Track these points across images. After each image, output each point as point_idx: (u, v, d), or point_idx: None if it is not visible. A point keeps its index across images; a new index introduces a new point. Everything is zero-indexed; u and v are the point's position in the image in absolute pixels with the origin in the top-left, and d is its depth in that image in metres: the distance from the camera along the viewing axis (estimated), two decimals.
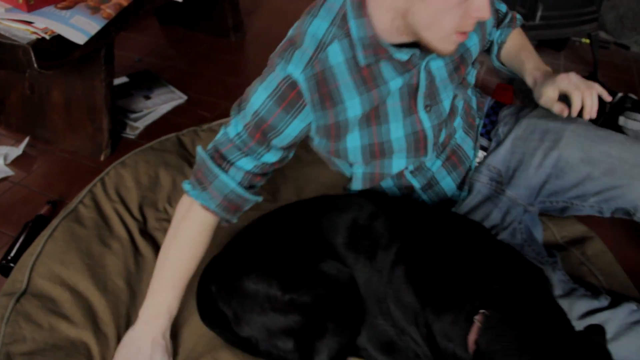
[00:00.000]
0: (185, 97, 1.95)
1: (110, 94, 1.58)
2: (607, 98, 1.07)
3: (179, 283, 1.00)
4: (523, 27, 1.27)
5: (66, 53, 1.35)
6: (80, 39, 1.33)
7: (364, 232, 1.02)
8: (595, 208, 1.14)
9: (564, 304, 1.04)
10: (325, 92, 0.92)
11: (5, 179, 1.54)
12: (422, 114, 1.03)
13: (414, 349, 0.97)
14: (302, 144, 1.63)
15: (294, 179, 1.48)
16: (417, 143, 1.06)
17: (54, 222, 1.26)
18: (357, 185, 1.16)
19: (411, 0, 0.84)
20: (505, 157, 1.19)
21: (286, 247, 1.04)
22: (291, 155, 1.04)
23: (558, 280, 1.10)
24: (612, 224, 1.48)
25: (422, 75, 0.99)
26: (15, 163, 1.61)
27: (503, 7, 1.24)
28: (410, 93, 1.00)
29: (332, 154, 1.07)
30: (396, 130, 1.03)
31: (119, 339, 1.05)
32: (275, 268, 1.00)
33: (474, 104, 1.24)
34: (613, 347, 1.00)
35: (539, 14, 2.01)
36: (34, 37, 1.28)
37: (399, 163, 1.09)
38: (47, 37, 1.29)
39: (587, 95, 1.03)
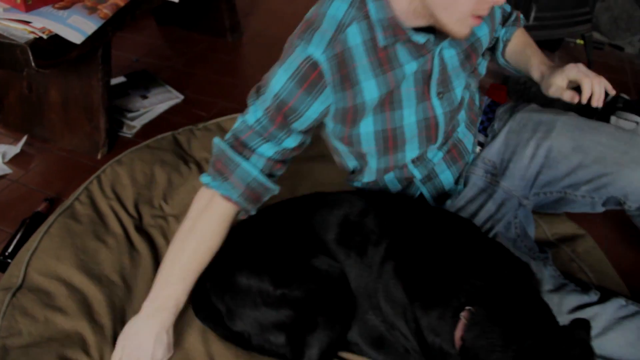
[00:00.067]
0: (182, 97, 1.97)
1: (107, 93, 1.60)
2: (612, 91, 1.09)
3: (191, 276, 0.99)
4: None
5: (63, 52, 1.37)
6: (77, 38, 1.35)
7: (354, 229, 1.04)
8: (587, 199, 1.16)
9: (554, 298, 1.07)
10: (344, 73, 0.93)
11: (3, 176, 1.56)
12: (435, 101, 1.05)
13: (404, 343, 0.99)
14: None
15: (287, 177, 1.49)
16: (428, 130, 1.08)
17: (50, 218, 1.28)
18: (368, 177, 1.17)
19: None
20: (500, 149, 1.22)
21: (278, 243, 1.05)
22: (309, 141, 1.04)
23: (549, 276, 1.12)
24: (603, 223, 1.50)
25: (436, 61, 1.01)
26: (13, 161, 1.62)
27: (507, 7, 1.27)
28: (424, 79, 1.02)
29: (345, 140, 1.07)
30: (409, 116, 1.04)
31: (114, 329, 1.06)
32: (267, 264, 1.02)
33: (477, 100, 1.26)
34: (602, 341, 1.03)
35: (532, 14, 2.03)
36: (31, 36, 1.30)
37: (411, 154, 1.11)
38: (45, 37, 1.31)
39: (596, 83, 1.06)
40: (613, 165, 1.10)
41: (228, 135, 1.00)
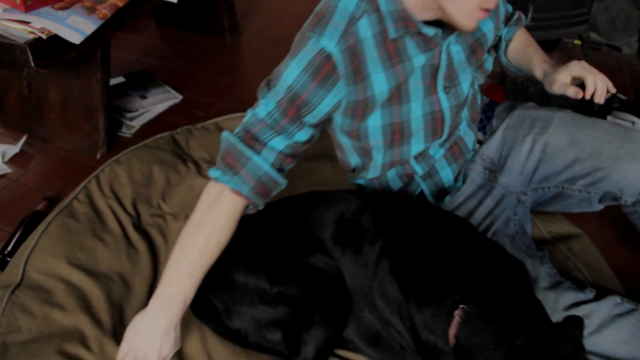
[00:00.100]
0: (180, 97, 1.98)
1: (106, 93, 1.61)
2: (612, 89, 1.10)
3: (199, 272, 0.97)
4: None
5: (63, 52, 1.38)
6: (76, 38, 1.36)
7: (350, 227, 1.05)
8: (583, 193, 1.16)
9: (550, 295, 1.08)
10: (356, 65, 0.94)
11: (3, 176, 1.57)
12: (441, 95, 1.06)
13: (399, 340, 1.00)
14: None
15: (285, 176, 1.51)
16: (434, 123, 1.09)
17: (49, 217, 1.29)
18: (373, 172, 1.18)
19: None
20: (497, 146, 1.23)
21: (275, 242, 1.06)
22: (317, 135, 1.05)
23: (545, 273, 1.13)
24: (599, 222, 1.51)
25: (443, 56, 1.02)
26: (13, 161, 1.64)
27: (509, 7, 1.29)
28: (432, 73, 1.03)
29: (353, 135, 1.08)
30: (416, 110, 1.05)
31: (113, 324, 1.08)
32: (264, 262, 1.03)
33: (479, 99, 1.27)
34: (597, 339, 1.04)
35: (529, 15, 2.04)
36: (31, 36, 1.31)
37: (417, 147, 1.12)
38: (44, 37, 1.32)
39: (599, 80, 1.07)
40: (609, 159, 1.11)
41: (238, 129, 0.99)
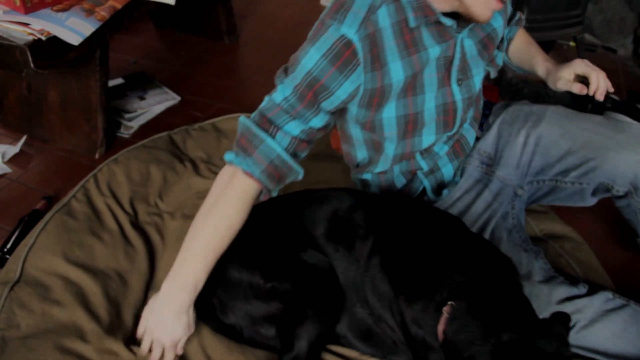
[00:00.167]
0: (178, 98, 2.00)
1: (105, 93, 1.63)
2: (611, 89, 1.16)
3: (211, 254, 0.98)
4: None
5: (62, 54, 1.40)
6: (75, 40, 1.39)
7: (343, 224, 1.06)
8: (576, 185, 1.19)
9: (544, 289, 1.10)
10: (375, 53, 0.95)
11: (3, 176, 1.59)
12: (455, 87, 1.08)
13: (390, 335, 1.02)
14: None
15: None
16: (446, 115, 1.11)
17: (47, 215, 1.31)
18: (382, 166, 1.19)
19: None
20: (494, 140, 1.26)
21: (269, 238, 1.08)
22: (333, 123, 1.06)
23: (539, 268, 1.15)
24: (592, 220, 1.53)
25: (457, 48, 1.04)
26: (12, 161, 1.66)
27: (510, 7, 1.31)
28: (446, 65, 1.05)
29: (367, 126, 1.09)
30: (429, 101, 1.07)
31: (111, 320, 1.10)
32: (258, 258, 1.04)
33: (481, 99, 1.30)
34: (588, 333, 1.06)
35: (524, 16, 2.06)
36: (30, 38, 1.33)
37: (428, 139, 1.14)
38: (43, 38, 1.34)
39: (602, 78, 1.13)
40: (599, 149, 1.14)
41: (254, 114, 1.01)
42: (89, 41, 1.43)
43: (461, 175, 1.26)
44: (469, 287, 0.87)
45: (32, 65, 1.32)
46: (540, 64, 1.26)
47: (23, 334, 1.04)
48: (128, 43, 2.42)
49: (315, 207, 1.10)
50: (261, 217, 1.14)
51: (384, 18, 0.95)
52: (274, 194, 1.05)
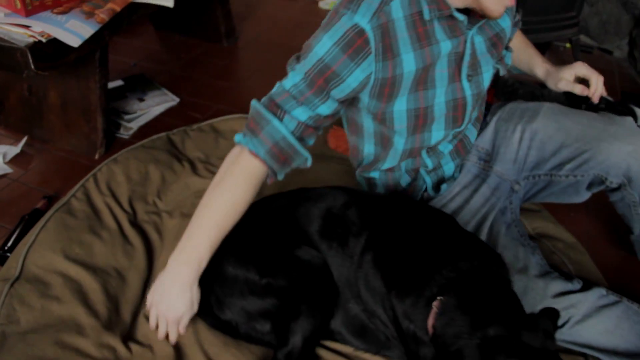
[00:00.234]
0: (177, 100, 2.03)
1: (104, 95, 1.65)
2: (604, 93, 1.25)
3: (214, 231, 0.99)
4: None
5: (62, 55, 1.42)
6: (74, 42, 1.41)
7: (337, 221, 1.08)
8: (570, 178, 1.21)
9: (539, 283, 1.12)
10: (387, 43, 0.97)
11: (4, 176, 1.62)
12: (465, 82, 1.11)
13: (384, 331, 1.03)
14: None
15: None
16: (455, 110, 1.13)
17: (48, 214, 1.33)
18: (390, 161, 1.21)
19: None
20: (491, 137, 1.28)
21: (264, 235, 1.09)
22: (342, 112, 1.08)
23: (535, 263, 1.17)
24: (586, 218, 1.54)
25: (468, 45, 1.07)
26: (13, 161, 1.68)
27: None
28: (457, 60, 1.07)
29: (378, 117, 1.10)
30: (440, 96, 1.09)
31: (109, 315, 1.11)
32: (253, 254, 1.06)
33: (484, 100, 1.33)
34: (582, 328, 1.07)
35: (519, 18, 2.08)
36: (31, 40, 1.35)
37: (437, 135, 1.16)
38: (44, 40, 1.37)
39: (600, 81, 1.23)
40: (592, 141, 1.16)
41: (264, 98, 1.02)
42: (88, 43, 1.45)
43: (460, 172, 1.28)
44: (457, 283, 0.89)
45: (32, 66, 1.34)
46: (539, 65, 1.32)
47: (23, 329, 1.06)
48: (128, 46, 2.45)
49: (310, 205, 1.12)
50: (257, 214, 1.16)
51: (397, 10, 0.97)
52: (280, 177, 1.06)
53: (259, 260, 1.05)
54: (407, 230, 1.04)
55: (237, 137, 1.03)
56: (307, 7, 2.99)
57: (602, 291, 1.12)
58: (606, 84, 1.26)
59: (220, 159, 1.03)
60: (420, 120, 1.11)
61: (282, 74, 1.04)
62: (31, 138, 1.77)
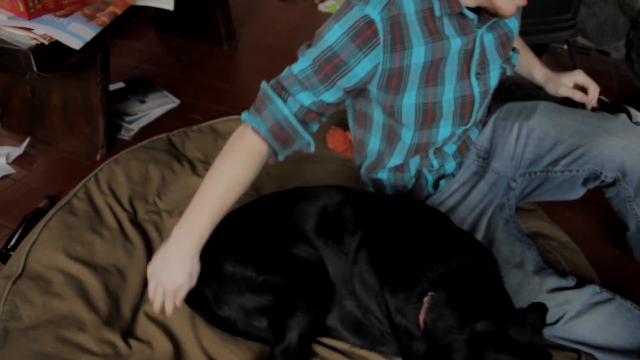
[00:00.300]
0: (178, 101, 2.05)
1: (106, 96, 1.68)
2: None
3: (217, 203, 1.01)
4: None
5: (64, 57, 1.44)
6: (76, 44, 1.43)
7: (332, 219, 1.10)
8: (566, 173, 1.23)
9: (535, 278, 1.14)
10: (397, 35, 0.99)
11: (7, 176, 1.64)
12: (473, 80, 1.13)
13: (378, 327, 1.05)
14: None
15: (276, 176, 1.57)
16: (463, 107, 1.15)
17: (49, 213, 1.35)
18: (397, 158, 1.23)
19: None
20: (489, 135, 1.30)
21: (261, 233, 1.11)
22: (348, 101, 1.10)
23: (531, 258, 1.19)
24: (581, 218, 1.56)
25: (477, 43, 1.09)
26: (16, 162, 1.70)
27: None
28: (466, 58, 1.09)
29: (387, 109, 1.12)
30: (448, 92, 1.11)
31: (110, 312, 1.13)
32: (251, 252, 1.08)
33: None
34: (575, 324, 1.08)
35: None
36: (33, 42, 1.38)
37: (444, 131, 1.18)
38: (46, 43, 1.39)
39: (597, 90, 1.32)
40: (587, 136, 1.19)
41: (272, 80, 1.05)
42: (90, 45, 1.48)
43: (459, 169, 1.30)
44: (448, 278, 0.91)
45: (35, 68, 1.37)
46: (538, 69, 1.37)
47: (25, 325, 1.08)
48: (129, 48, 2.47)
49: (306, 204, 1.13)
50: (254, 213, 1.19)
51: (409, 4, 1.00)
52: (280, 157, 1.08)
53: (256, 258, 1.06)
54: (401, 228, 1.06)
55: (243, 115, 1.06)
56: (306, 10, 3.02)
57: (596, 288, 1.14)
58: (603, 85, 1.30)
59: None
60: (428, 115, 1.12)
61: None
62: (34, 139, 1.80)
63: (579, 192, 1.27)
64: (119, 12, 1.56)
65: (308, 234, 1.11)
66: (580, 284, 1.16)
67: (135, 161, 1.55)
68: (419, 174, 1.28)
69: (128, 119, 1.90)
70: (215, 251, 1.10)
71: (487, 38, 1.11)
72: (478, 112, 1.21)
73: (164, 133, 1.75)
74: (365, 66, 1.01)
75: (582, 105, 1.34)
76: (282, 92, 1.03)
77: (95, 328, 1.09)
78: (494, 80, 1.18)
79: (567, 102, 1.39)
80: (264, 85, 1.05)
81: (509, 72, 1.23)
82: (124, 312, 1.16)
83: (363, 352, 1.09)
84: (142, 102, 2.01)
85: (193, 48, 2.50)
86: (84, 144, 1.73)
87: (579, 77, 1.31)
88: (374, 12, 0.97)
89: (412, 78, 1.05)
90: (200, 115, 1.98)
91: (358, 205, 1.11)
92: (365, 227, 1.07)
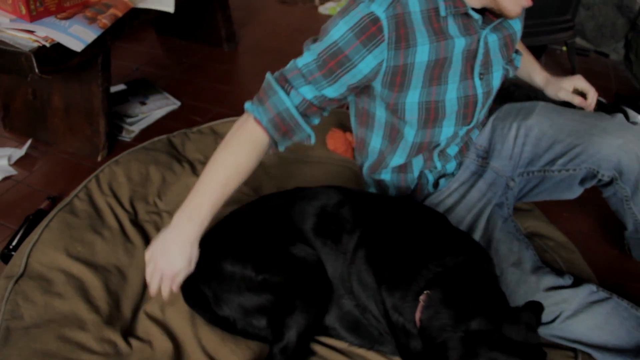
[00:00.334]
0: (178, 103, 2.06)
1: (107, 98, 1.69)
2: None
3: (218, 189, 1.02)
4: None
5: (65, 60, 1.46)
6: (77, 46, 1.44)
7: (331, 219, 1.11)
8: (563, 172, 1.24)
9: (532, 277, 1.15)
10: (402, 32, 1.00)
11: (9, 177, 1.65)
12: (477, 80, 1.14)
13: (376, 326, 1.06)
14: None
15: (275, 177, 1.58)
16: (466, 107, 1.16)
17: (51, 213, 1.36)
18: (400, 156, 1.23)
19: None
20: (488, 135, 1.32)
21: (260, 233, 1.12)
22: (350, 98, 1.11)
23: (529, 257, 1.20)
24: (580, 218, 1.57)
25: (481, 43, 1.10)
26: (18, 163, 1.72)
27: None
28: (469, 58, 1.11)
29: (390, 107, 1.13)
30: (451, 92, 1.12)
31: (110, 311, 1.14)
32: (250, 252, 1.09)
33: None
34: (572, 323, 1.09)
35: None
36: (35, 45, 1.39)
37: (447, 131, 1.19)
38: (48, 45, 1.40)
39: (595, 96, 1.34)
40: (584, 135, 1.20)
41: (276, 72, 1.06)
42: (91, 48, 1.49)
43: (459, 168, 1.32)
44: (444, 277, 0.92)
45: (37, 70, 1.38)
46: (538, 72, 1.39)
47: (27, 324, 1.10)
48: (131, 51, 2.49)
49: (305, 204, 1.14)
50: (253, 213, 1.20)
51: (414, 4, 1.01)
52: (280, 147, 1.09)
53: (255, 258, 1.07)
54: (398, 228, 1.07)
55: (246, 105, 1.07)
56: (306, 13, 3.03)
57: (593, 288, 1.15)
58: (602, 87, 1.31)
59: None
60: (431, 114, 1.13)
61: None
62: (35, 141, 1.81)
63: (576, 192, 1.28)
64: (120, 14, 1.58)
65: (307, 234, 1.11)
66: (577, 283, 1.17)
67: (136, 162, 1.57)
68: (420, 174, 1.29)
69: (129, 120, 1.92)
70: (215, 251, 1.12)
71: (491, 39, 1.12)
72: (480, 113, 1.22)
73: (165, 134, 1.76)
74: (369, 63, 1.02)
75: (580, 110, 1.35)
76: (286, 84, 1.04)
77: (96, 327, 1.10)
78: (496, 81, 1.19)
79: (566, 105, 1.40)
80: (268, 76, 1.06)
81: (511, 74, 1.24)
82: (124, 312, 1.17)
83: (361, 351, 1.10)
84: (143, 103, 2.02)
85: (193, 50, 2.52)
86: (85, 146, 1.75)
87: (579, 82, 1.33)
88: (380, 10, 0.98)
89: (416, 76, 1.07)
90: (201, 117, 1.99)
91: (356, 206, 1.12)
92: (363, 227, 1.08)
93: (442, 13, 1.02)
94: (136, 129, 1.89)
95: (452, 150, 1.27)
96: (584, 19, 2.65)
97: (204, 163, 1.61)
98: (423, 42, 1.03)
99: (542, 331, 1.13)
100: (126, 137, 1.85)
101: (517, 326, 0.81)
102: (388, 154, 1.24)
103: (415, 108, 1.12)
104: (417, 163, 1.26)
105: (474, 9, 1.05)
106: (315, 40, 1.06)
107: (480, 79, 1.14)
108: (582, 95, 1.35)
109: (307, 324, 1.03)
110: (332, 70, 1.02)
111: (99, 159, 1.72)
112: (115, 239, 1.31)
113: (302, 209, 1.14)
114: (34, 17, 1.45)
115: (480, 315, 0.82)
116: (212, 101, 2.11)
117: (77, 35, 1.46)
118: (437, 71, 1.07)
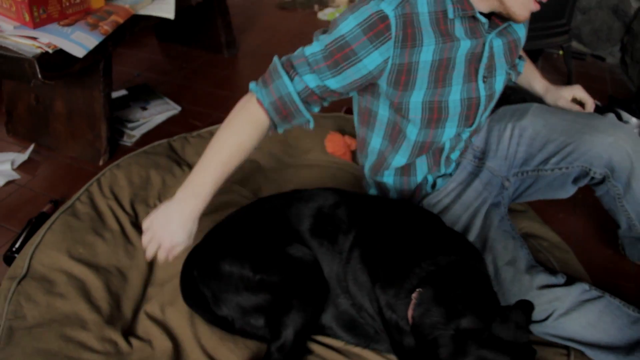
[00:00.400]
0: (179, 108, 2.09)
1: (108, 104, 1.72)
2: None
3: (219, 167, 1.06)
4: None
5: (67, 65, 1.48)
6: (79, 52, 1.47)
7: (327, 219, 1.13)
8: (556, 171, 1.26)
9: (526, 275, 1.16)
10: (409, 32, 1.02)
11: (12, 181, 1.68)
12: (480, 83, 1.16)
13: (372, 324, 1.08)
14: (285, 150, 1.74)
15: (274, 180, 1.60)
16: (469, 109, 1.18)
17: (53, 216, 1.39)
18: (402, 156, 1.25)
19: None
20: (484, 136, 1.34)
21: (258, 234, 1.14)
22: (352, 94, 1.15)
23: (523, 256, 1.22)
24: (574, 219, 1.58)
25: (487, 47, 1.12)
26: (21, 168, 1.74)
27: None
28: (474, 61, 1.13)
29: (395, 105, 1.15)
30: (455, 93, 1.14)
31: (111, 311, 1.16)
32: (248, 252, 1.10)
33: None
34: (565, 321, 1.11)
35: None
36: (38, 51, 1.42)
37: (449, 131, 1.21)
38: (50, 51, 1.43)
39: (593, 105, 1.38)
40: (576, 134, 1.22)
41: (284, 57, 1.09)
42: (93, 54, 1.52)
43: (456, 169, 1.34)
44: (436, 275, 0.93)
45: (39, 76, 1.40)
46: (538, 80, 1.42)
47: (29, 324, 1.12)
48: (132, 57, 2.52)
49: (302, 205, 1.16)
50: (251, 214, 1.22)
51: (423, 5, 1.03)
52: (280, 130, 1.12)
53: (253, 258, 1.09)
54: (392, 228, 1.09)
55: (251, 85, 1.10)
56: (306, 18, 3.06)
57: (585, 286, 1.16)
58: (598, 90, 1.33)
59: None
60: (435, 114, 1.15)
61: None
62: (38, 145, 1.84)
63: (569, 191, 1.30)
64: (121, 21, 1.61)
65: (303, 235, 1.13)
66: (570, 281, 1.18)
67: (137, 166, 1.59)
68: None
69: (130, 125, 1.94)
70: (214, 251, 1.14)
71: (496, 43, 1.14)
72: (483, 115, 1.24)
73: (165, 139, 1.79)
74: (374, 59, 1.03)
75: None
76: (291, 70, 1.06)
77: (97, 327, 1.12)
78: (499, 84, 1.21)
79: None
80: (275, 59, 1.09)
81: (513, 78, 1.26)
82: (125, 312, 1.19)
83: (357, 350, 1.12)
84: (144, 109, 2.05)
85: (194, 56, 2.55)
86: (87, 150, 1.77)
87: (578, 91, 1.37)
88: (389, 8, 1.00)
89: (421, 76, 1.08)
90: (201, 122, 2.01)
91: (352, 207, 1.14)
92: (358, 227, 1.10)
93: (450, 15, 1.04)
94: (137, 133, 1.92)
95: (455, 155, 1.30)
96: (580, 23, 2.68)
97: None
98: (429, 43, 1.05)
99: (535, 329, 1.15)
100: (127, 141, 1.88)
101: (507, 325, 0.82)
102: (389, 154, 1.25)
103: (419, 107, 1.13)
104: (422, 168, 1.28)
105: (481, 13, 1.07)
106: (325, 32, 1.08)
107: (484, 82, 1.16)
108: (581, 104, 1.38)
109: (304, 322, 1.05)
110: (337, 62, 1.04)
111: (101, 163, 1.75)
112: (116, 241, 1.33)
113: (299, 211, 1.16)
114: (37, 23, 1.48)
115: (470, 314, 0.83)
116: (212, 106, 2.13)
117: (79, 41, 1.49)
118: (442, 73, 1.09)
